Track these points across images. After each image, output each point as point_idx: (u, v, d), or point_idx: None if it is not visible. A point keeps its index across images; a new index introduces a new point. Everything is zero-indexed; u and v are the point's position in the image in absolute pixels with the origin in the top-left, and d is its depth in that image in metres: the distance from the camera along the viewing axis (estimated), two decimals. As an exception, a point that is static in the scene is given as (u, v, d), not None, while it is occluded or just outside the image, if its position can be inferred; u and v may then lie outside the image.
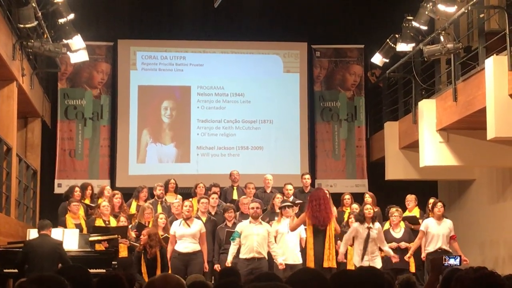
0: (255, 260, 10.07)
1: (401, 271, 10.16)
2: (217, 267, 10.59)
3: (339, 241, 10.68)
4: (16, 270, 9.25)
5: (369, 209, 10.44)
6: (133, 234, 10.66)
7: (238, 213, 11.25)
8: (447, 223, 10.76)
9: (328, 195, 11.38)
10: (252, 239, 10.09)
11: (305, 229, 10.18)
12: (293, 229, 10.14)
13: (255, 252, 10.08)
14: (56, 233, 9.72)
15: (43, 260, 8.74)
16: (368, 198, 11.79)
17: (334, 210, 10.73)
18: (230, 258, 10.06)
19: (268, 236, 10.16)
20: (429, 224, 10.68)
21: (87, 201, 11.87)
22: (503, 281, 3.27)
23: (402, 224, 11.15)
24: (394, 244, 10.82)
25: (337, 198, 12.44)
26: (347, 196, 12.14)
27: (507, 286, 3.32)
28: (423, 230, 10.67)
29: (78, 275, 3.81)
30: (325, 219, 9.79)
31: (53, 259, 8.81)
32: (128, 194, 12.36)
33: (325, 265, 9.72)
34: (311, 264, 9.71)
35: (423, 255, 10.91)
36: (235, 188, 12.70)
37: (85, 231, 10.61)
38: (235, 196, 12.38)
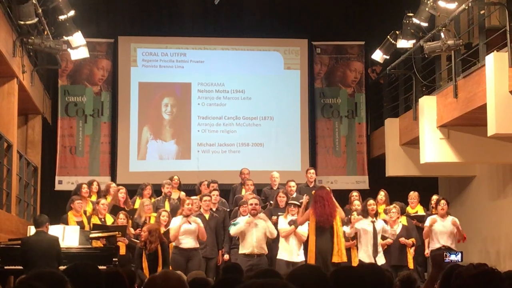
0: (255, 256, 10.14)
1: (400, 268, 10.17)
2: (226, 257, 10.74)
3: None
4: (17, 267, 9.26)
5: (372, 205, 10.50)
6: (132, 231, 10.68)
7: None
8: (451, 220, 10.74)
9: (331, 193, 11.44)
10: (252, 234, 10.17)
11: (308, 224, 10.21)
12: (301, 223, 10.23)
13: (254, 248, 10.16)
14: (56, 230, 9.73)
15: (41, 257, 8.73)
16: (382, 195, 11.82)
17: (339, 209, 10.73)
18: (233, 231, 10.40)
19: (267, 228, 10.28)
20: (433, 220, 10.68)
21: (94, 197, 11.88)
22: (503, 278, 3.27)
23: (403, 219, 11.14)
24: (389, 241, 10.78)
25: (337, 195, 12.41)
26: (355, 193, 11.79)
27: (507, 282, 3.32)
28: (427, 226, 10.65)
29: (89, 272, 3.81)
30: (329, 218, 9.93)
31: (51, 255, 8.80)
32: (129, 190, 12.36)
33: (334, 260, 9.83)
34: (312, 260, 9.76)
35: (427, 251, 10.91)
36: (244, 186, 12.66)
37: (87, 228, 10.62)
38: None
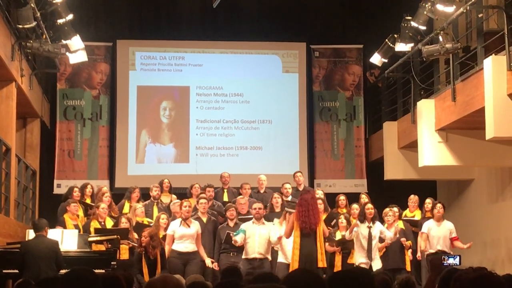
0: (257, 260, 10.08)
1: (398, 271, 10.16)
2: (215, 265, 10.58)
3: (327, 244, 10.57)
4: (16, 271, 9.26)
5: (370, 209, 10.45)
6: (135, 235, 10.66)
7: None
8: (447, 225, 10.74)
9: (322, 195, 11.42)
10: (254, 240, 10.10)
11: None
12: (288, 235, 9.92)
13: (257, 253, 10.09)
14: (55, 234, 9.72)
15: (39, 261, 8.73)
16: (365, 198, 11.78)
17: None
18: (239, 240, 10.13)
19: (269, 235, 10.17)
20: (429, 226, 10.68)
21: (88, 200, 11.86)
22: (502, 281, 3.27)
23: (400, 223, 11.12)
24: (388, 242, 10.75)
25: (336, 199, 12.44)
26: (342, 197, 12.04)
27: (506, 286, 3.31)
28: (425, 232, 10.64)
29: (86, 277, 3.81)
30: (312, 225, 9.59)
31: (50, 259, 8.80)
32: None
33: (320, 265, 9.62)
34: (295, 263, 9.58)
35: (418, 254, 10.91)
36: (225, 190, 12.70)
37: (81, 232, 10.59)
38: (225, 199, 12.37)
